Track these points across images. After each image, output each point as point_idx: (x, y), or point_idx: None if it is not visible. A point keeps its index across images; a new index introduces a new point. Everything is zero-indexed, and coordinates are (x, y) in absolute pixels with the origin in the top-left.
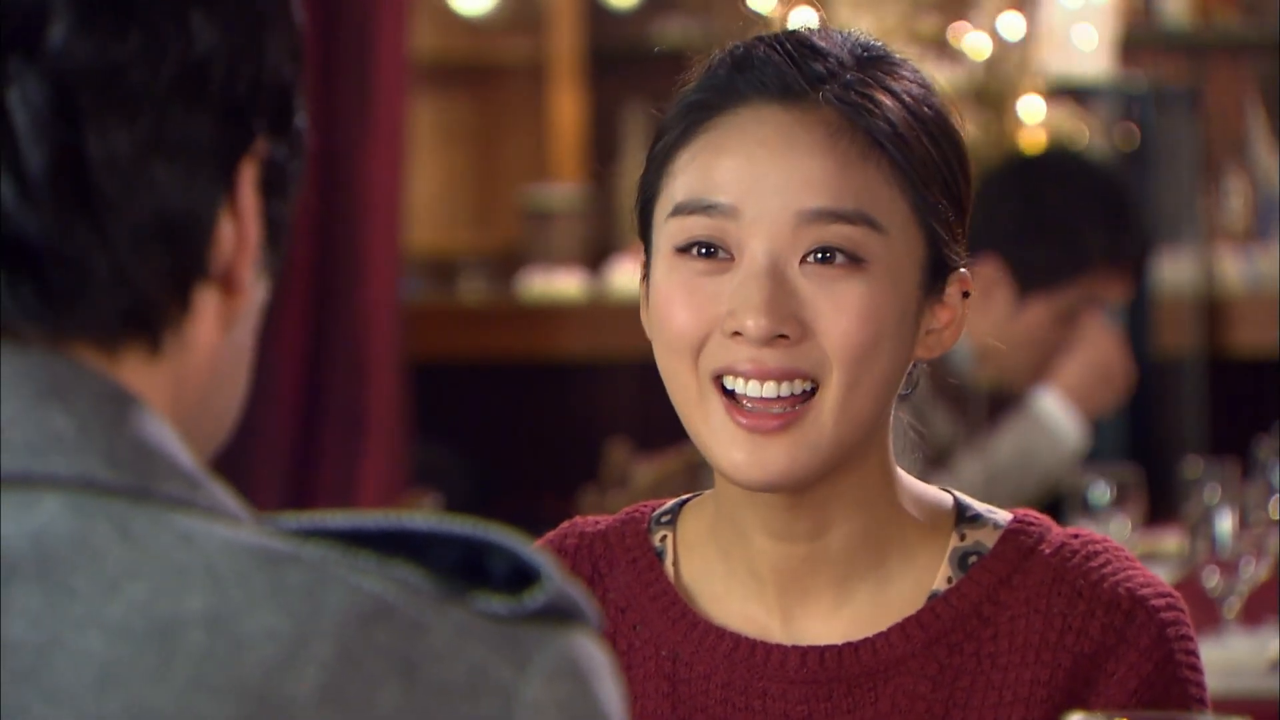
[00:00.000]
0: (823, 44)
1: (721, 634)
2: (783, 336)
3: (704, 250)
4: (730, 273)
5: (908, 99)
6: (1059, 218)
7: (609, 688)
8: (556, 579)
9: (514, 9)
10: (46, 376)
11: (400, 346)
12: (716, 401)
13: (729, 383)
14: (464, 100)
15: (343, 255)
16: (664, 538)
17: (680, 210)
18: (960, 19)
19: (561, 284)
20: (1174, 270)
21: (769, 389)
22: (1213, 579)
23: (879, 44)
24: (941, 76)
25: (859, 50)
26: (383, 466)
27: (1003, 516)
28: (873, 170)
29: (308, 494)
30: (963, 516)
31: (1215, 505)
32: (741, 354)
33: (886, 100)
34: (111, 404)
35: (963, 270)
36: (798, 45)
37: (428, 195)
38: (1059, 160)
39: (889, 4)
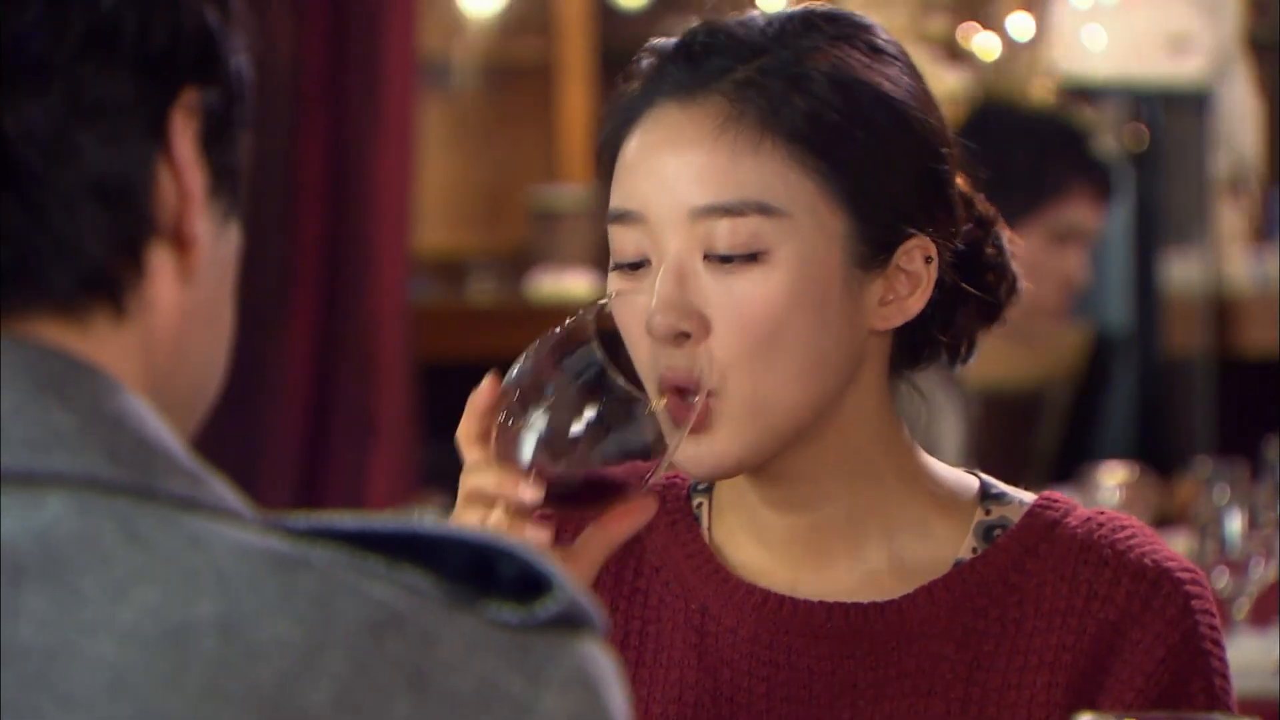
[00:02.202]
0: (739, 32)
1: (751, 589)
2: (684, 335)
3: (631, 266)
4: (651, 278)
5: (820, 74)
6: (1016, 157)
7: (617, 695)
8: (568, 587)
9: (524, 10)
10: (43, 370)
11: (409, 347)
12: (662, 404)
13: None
14: (473, 101)
15: (352, 256)
16: (700, 504)
17: (608, 221)
18: (970, 19)
19: (570, 285)
20: (1183, 271)
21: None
22: (1221, 579)
23: (821, 10)
24: (951, 77)
25: (784, 27)
26: (392, 467)
27: (1027, 496)
28: (767, 156)
29: (317, 494)
30: (987, 494)
31: (1224, 506)
32: (659, 359)
33: (791, 81)
34: (109, 398)
35: (920, 235)
36: (705, 40)
37: (437, 196)
38: (995, 111)
39: (898, 4)
